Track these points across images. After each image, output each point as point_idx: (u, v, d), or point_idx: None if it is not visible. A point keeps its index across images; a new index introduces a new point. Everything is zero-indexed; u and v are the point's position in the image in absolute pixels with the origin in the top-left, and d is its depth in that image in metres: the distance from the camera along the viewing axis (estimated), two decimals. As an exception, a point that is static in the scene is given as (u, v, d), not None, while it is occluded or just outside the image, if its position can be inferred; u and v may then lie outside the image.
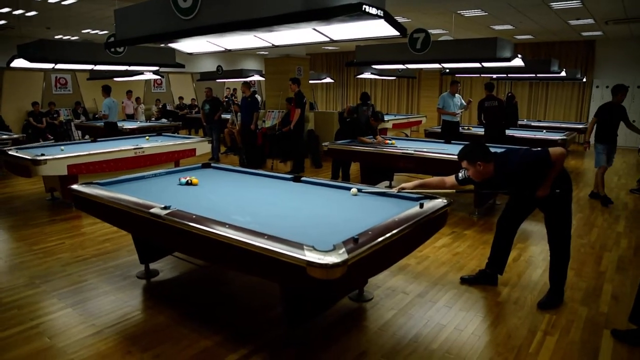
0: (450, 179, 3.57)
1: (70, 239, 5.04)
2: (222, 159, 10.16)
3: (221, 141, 10.72)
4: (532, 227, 5.31)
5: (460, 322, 3.23)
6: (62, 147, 6.59)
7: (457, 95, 8.66)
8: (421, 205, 3.08)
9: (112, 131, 9.40)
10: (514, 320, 3.28)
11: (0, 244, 4.97)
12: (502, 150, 3.79)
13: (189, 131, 14.35)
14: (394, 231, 2.59)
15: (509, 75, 11.30)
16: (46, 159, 5.63)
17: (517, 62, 6.88)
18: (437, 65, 8.35)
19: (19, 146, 7.05)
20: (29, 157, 5.65)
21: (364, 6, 2.79)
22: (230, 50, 4.52)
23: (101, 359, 2.80)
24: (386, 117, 12.57)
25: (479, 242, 4.92)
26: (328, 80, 16.10)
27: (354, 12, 2.79)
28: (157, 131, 9.08)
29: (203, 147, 7.68)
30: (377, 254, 2.45)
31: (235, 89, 15.81)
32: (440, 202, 3.24)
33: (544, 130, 9.93)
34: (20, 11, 9.46)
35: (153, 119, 14.16)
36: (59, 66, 7.01)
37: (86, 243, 4.89)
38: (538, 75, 10.79)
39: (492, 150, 3.46)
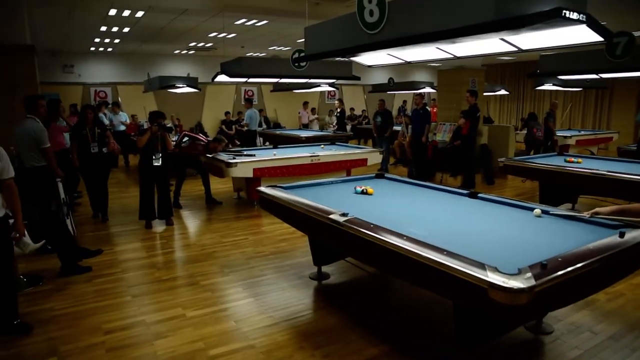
0: (659, 207, 3.06)
1: (253, 235, 5.59)
2: (391, 170, 10.26)
3: (391, 152, 10.83)
4: None
5: (668, 377, 2.74)
6: (275, 152, 7.40)
7: None
8: (621, 235, 2.69)
9: (251, 139, 10.35)
10: None
11: (199, 235, 5.76)
12: None
13: (358, 141, 14.81)
14: (588, 261, 2.31)
15: None
16: (237, 162, 6.33)
17: None
18: (639, 74, 7.27)
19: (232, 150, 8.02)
20: (223, 160, 6.42)
21: (564, 11, 2.57)
22: (409, 63, 4.56)
23: (278, 349, 3.04)
24: (569, 133, 11.44)
25: (692, 284, 4.12)
26: (502, 92, 15.20)
27: (553, 19, 2.59)
28: (331, 140, 9.52)
29: (374, 157, 7.84)
30: (566, 284, 2.21)
31: (405, 101, 15.86)
32: (645, 232, 2.80)
33: None
34: (224, 34, 10.99)
35: (331, 128, 14.71)
36: (251, 80, 7.90)
37: (265, 240, 5.37)
38: None
39: None
